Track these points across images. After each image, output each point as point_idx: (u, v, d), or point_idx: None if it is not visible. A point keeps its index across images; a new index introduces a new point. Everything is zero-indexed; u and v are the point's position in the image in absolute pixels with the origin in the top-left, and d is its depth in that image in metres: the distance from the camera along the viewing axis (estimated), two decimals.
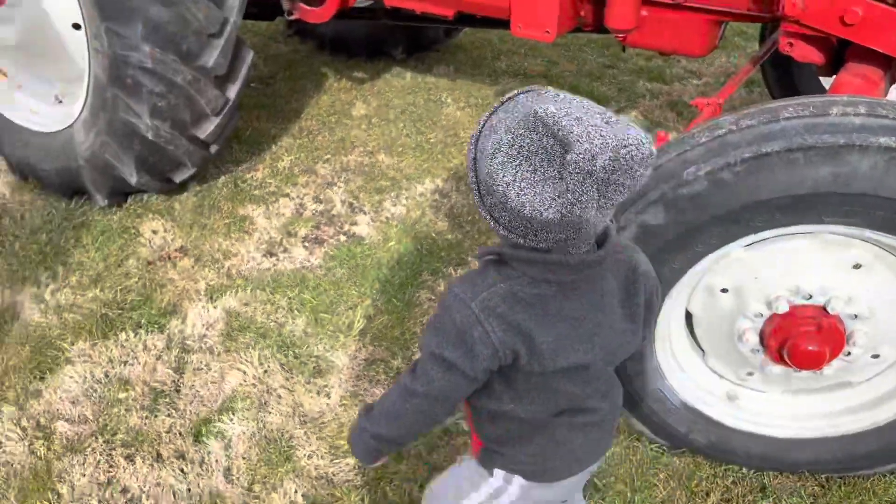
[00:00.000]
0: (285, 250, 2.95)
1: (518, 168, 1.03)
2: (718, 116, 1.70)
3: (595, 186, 0.98)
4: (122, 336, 2.49)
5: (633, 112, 3.91)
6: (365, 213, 3.15)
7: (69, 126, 2.89)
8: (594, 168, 0.97)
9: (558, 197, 1.00)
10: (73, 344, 2.46)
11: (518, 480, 1.36)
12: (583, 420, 1.31)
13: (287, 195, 3.27)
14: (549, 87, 1.09)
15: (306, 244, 2.99)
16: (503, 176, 1.04)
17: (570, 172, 0.98)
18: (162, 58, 2.51)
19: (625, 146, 0.97)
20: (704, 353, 1.96)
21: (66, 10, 2.70)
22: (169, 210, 3.14)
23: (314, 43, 4.66)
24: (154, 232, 3.01)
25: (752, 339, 1.81)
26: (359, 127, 3.80)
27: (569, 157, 0.97)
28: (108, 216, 3.09)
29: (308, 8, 3.12)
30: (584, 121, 0.99)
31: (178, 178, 3.04)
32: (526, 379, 1.22)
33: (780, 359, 1.78)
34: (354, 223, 3.10)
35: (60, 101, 3.14)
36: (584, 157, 0.96)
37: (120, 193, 3.08)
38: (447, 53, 4.62)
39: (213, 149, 3.00)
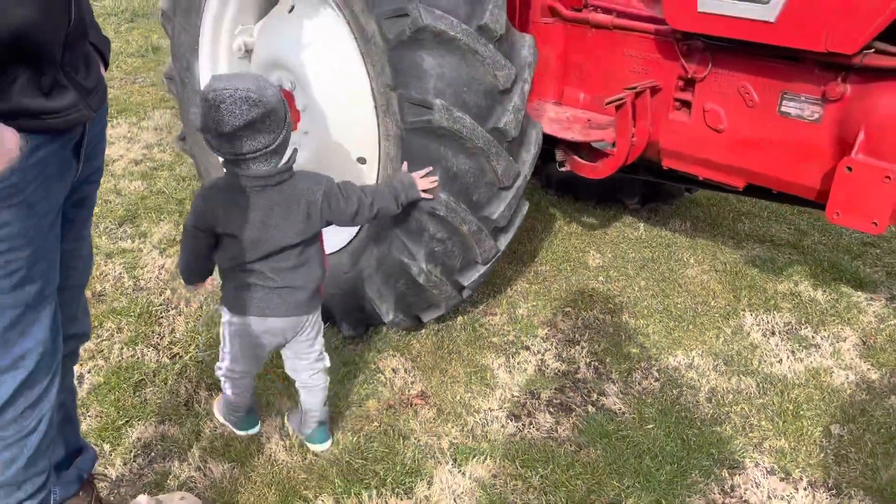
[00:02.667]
0: (530, 414, 2.71)
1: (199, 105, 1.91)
2: None
3: (210, 108, 1.86)
4: (365, 495, 2.31)
5: None
6: (613, 383, 2.88)
7: (335, 251, 2.87)
8: (207, 97, 1.87)
9: (201, 113, 1.89)
10: (317, 496, 2.30)
11: (225, 311, 2.20)
12: (255, 280, 2.10)
13: (527, 348, 3.07)
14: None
15: (552, 409, 2.74)
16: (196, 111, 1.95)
17: (201, 100, 1.89)
18: (455, 206, 2.43)
19: (226, 89, 1.85)
20: None
21: (356, 145, 2.72)
22: (408, 348, 3.01)
23: (539, 181, 4.58)
24: (394, 371, 2.88)
25: None
26: (596, 279, 3.59)
27: (201, 91, 1.91)
28: (349, 346, 3.01)
29: (583, 162, 3.00)
30: (221, 77, 1.94)
31: (427, 318, 2.92)
32: (221, 239, 2.06)
33: None
34: (603, 393, 2.83)
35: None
36: (204, 91, 1.89)
37: (364, 325, 3.00)
38: (681, 207, 4.39)
39: (466, 293, 2.87)
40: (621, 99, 2.70)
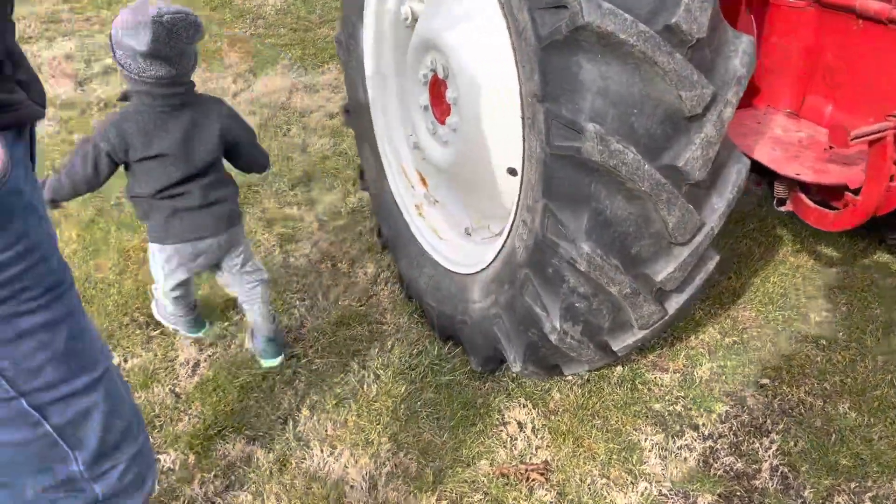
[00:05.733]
0: None
1: (130, 28, 2.01)
2: None
3: (164, 31, 2.00)
4: None
5: None
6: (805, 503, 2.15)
7: (468, 275, 2.42)
8: (162, 21, 1.99)
9: (147, 36, 1.98)
10: None
11: (155, 246, 2.38)
12: (184, 203, 2.26)
13: (696, 427, 2.41)
14: None
15: None
16: (123, 33, 2.04)
17: (152, 23, 1.98)
18: (601, 262, 1.84)
19: (178, 13, 2.03)
20: None
21: (506, 154, 2.20)
22: (544, 398, 2.50)
23: (765, 188, 3.68)
24: (520, 426, 2.40)
25: None
26: (816, 342, 2.76)
27: (151, 17, 1.99)
28: (474, 383, 2.58)
29: (812, 206, 2.21)
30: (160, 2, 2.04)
31: (568, 371, 2.39)
32: (137, 166, 2.21)
33: None
34: None
35: (469, 234, 2.71)
36: (157, 14, 1.98)
37: (497, 361, 2.54)
38: None
39: (621, 355, 2.28)
40: (877, 132, 1.87)
